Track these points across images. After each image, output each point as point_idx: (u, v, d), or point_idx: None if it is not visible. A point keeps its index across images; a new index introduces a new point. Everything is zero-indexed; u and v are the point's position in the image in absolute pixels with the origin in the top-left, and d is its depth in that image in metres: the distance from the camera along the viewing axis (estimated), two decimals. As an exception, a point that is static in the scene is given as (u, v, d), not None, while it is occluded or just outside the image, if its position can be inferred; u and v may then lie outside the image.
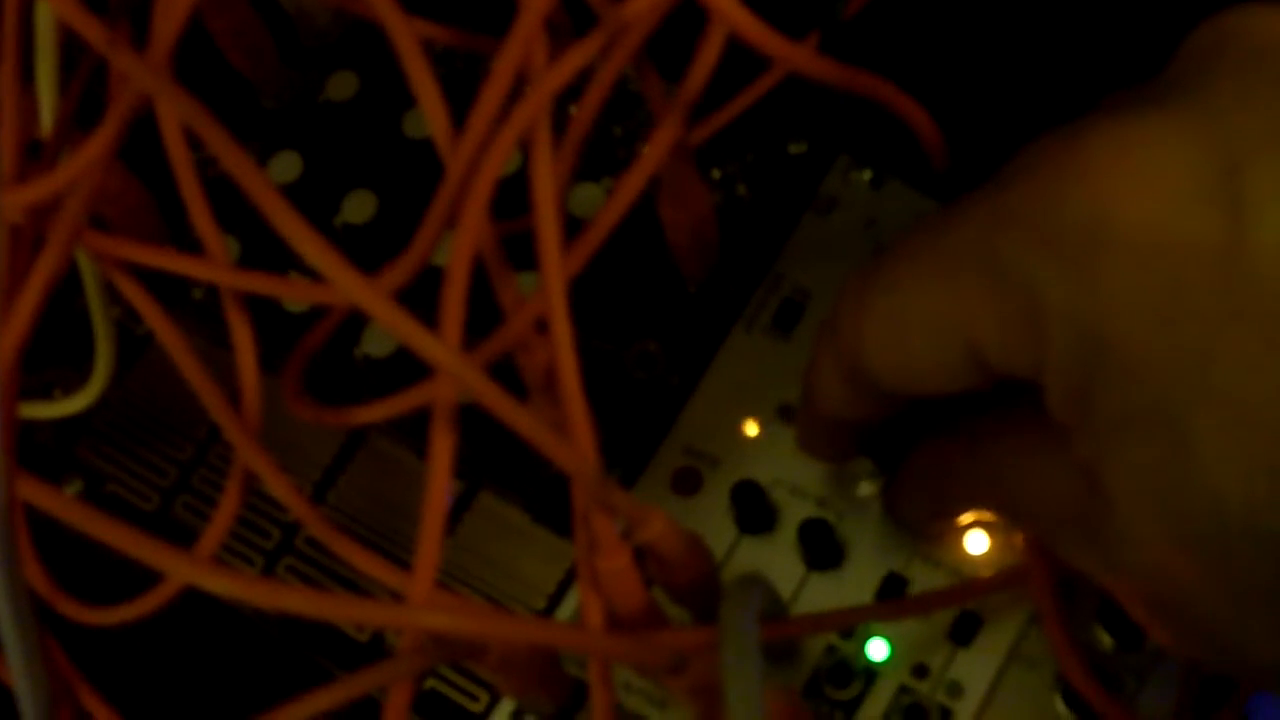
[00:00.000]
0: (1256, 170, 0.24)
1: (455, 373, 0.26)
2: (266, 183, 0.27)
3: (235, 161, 0.27)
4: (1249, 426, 0.24)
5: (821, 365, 0.32)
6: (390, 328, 0.26)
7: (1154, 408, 0.24)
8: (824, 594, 0.36)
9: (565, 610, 0.37)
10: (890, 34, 0.41)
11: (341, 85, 0.44)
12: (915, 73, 0.36)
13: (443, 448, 0.28)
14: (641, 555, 0.31)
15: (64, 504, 0.26)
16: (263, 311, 0.39)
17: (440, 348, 0.26)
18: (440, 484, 0.28)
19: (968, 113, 0.39)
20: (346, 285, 0.27)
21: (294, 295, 0.31)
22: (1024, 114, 0.40)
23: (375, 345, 0.40)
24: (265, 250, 0.41)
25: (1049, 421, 0.27)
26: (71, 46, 0.32)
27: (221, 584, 0.24)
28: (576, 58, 0.27)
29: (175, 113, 0.30)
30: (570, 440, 0.28)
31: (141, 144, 0.33)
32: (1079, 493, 0.27)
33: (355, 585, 0.38)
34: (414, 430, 0.39)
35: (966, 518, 0.36)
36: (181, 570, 0.25)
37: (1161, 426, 0.24)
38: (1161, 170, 0.24)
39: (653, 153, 0.30)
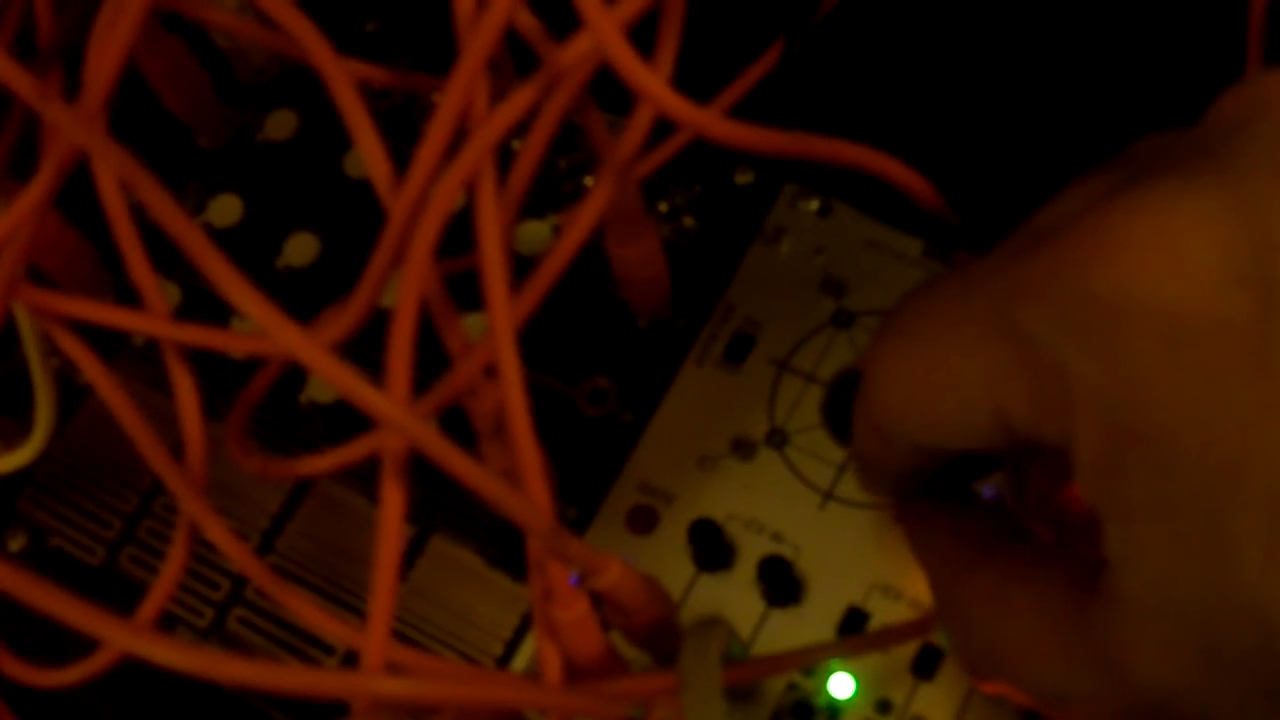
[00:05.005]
0: None
1: (400, 427, 0.25)
2: (201, 237, 0.26)
3: (169, 217, 0.27)
4: None
5: (856, 419, 0.31)
6: (331, 381, 0.26)
7: (1188, 502, 0.23)
8: (784, 630, 0.36)
9: (523, 655, 0.36)
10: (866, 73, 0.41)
11: (280, 124, 0.43)
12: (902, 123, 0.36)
13: (393, 501, 0.27)
14: (599, 600, 0.30)
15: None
16: (207, 357, 0.38)
17: (384, 402, 0.25)
18: (392, 539, 0.27)
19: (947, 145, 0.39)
20: (285, 339, 0.26)
21: (233, 347, 0.30)
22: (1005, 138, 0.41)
23: (320, 391, 0.39)
24: (208, 294, 0.41)
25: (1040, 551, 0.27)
26: (3, 93, 0.32)
27: (162, 652, 0.24)
28: (518, 104, 0.26)
29: (109, 166, 0.29)
30: (523, 490, 0.27)
31: (79, 189, 0.32)
32: (1067, 604, 0.26)
33: (311, 635, 0.38)
34: (363, 474, 0.38)
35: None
36: (120, 638, 0.24)
37: (1196, 524, 0.23)
38: (1191, 250, 0.23)
39: (597, 198, 0.30)
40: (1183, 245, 0.23)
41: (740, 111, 0.33)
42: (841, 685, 0.35)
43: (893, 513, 0.35)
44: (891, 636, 0.34)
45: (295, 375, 0.39)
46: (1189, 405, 0.22)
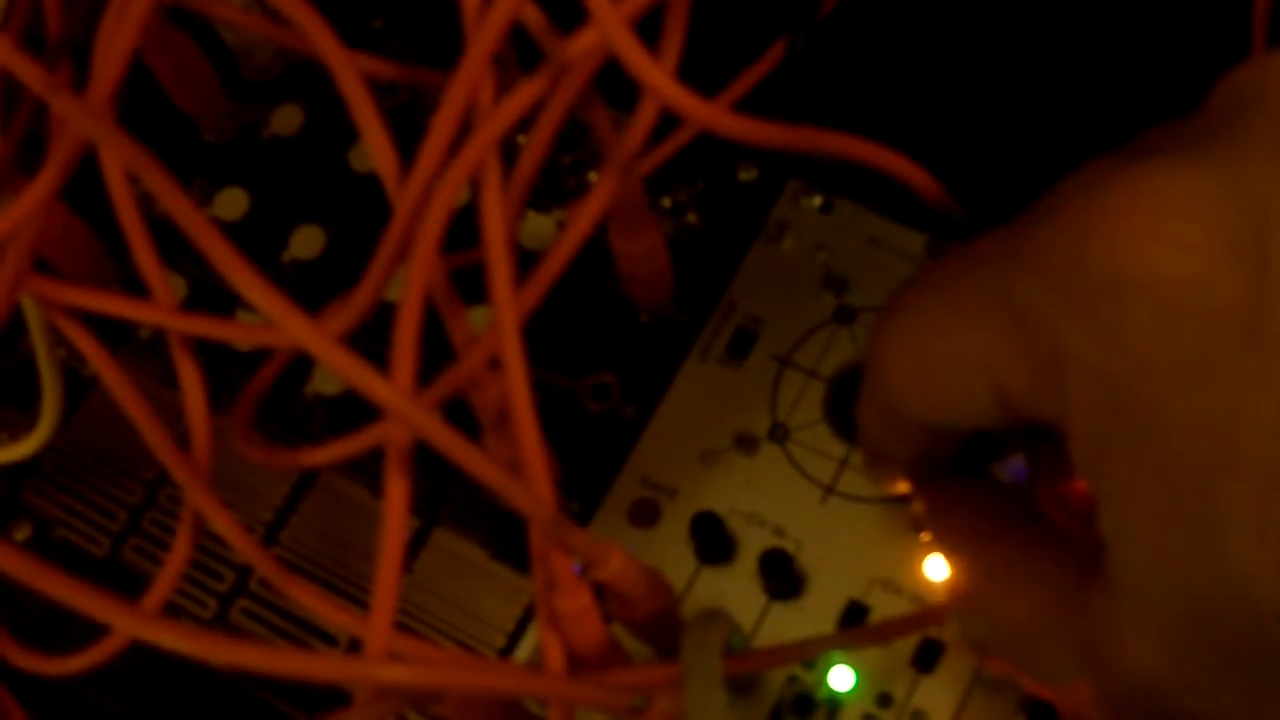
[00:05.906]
0: None
1: (406, 417, 0.26)
2: (209, 226, 0.26)
3: (177, 206, 0.27)
4: None
5: (862, 402, 0.31)
6: (338, 371, 0.26)
7: (1177, 480, 0.23)
8: (785, 623, 0.36)
9: (526, 647, 0.37)
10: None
11: (286, 119, 0.43)
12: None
13: (397, 493, 0.28)
14: (601, 591, 0.31)
15: (6, 555, 0.25)
16: (212, 349, 0.39)
17: (390, 391, 0.26)
18: (396, 530, 0.27)
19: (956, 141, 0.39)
20: (293, 328, 0.26)
21: (240, 338, 0.31)
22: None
23: (325, 383, 0.39)
24: (214, 287, 0.41)
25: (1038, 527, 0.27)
26: (11, 85, 0.32)
27: (168, 638, 0.24)
28: (523, 98, 0.27)
29: (117, 157, 0.29)
30: (526, 481, 0.27)
31: (85, 180, 0.32)
32: (1070, 587, 0.26)
33: (314, 626, 0.38)
34: (367, 467, 0.39)
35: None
36: (127, 624, 0.25)
37: (1185, 503, 0.23)
38: (1188, 225, 0.23)
39: (601, 193, 0.30)
40: (1179, 220, 0.23)
41: (744, 108, 0.34)
42: (842, 678, 0.35)
43: (912, 486, 0.35)
44: (892, 630, 0.34)
45: (299, 369, 0.40)
46: (1180, 380, 0.22)
